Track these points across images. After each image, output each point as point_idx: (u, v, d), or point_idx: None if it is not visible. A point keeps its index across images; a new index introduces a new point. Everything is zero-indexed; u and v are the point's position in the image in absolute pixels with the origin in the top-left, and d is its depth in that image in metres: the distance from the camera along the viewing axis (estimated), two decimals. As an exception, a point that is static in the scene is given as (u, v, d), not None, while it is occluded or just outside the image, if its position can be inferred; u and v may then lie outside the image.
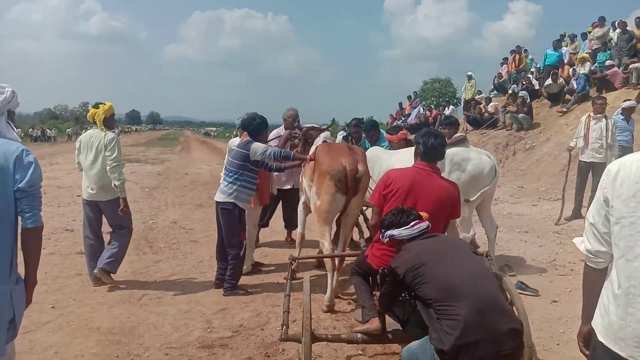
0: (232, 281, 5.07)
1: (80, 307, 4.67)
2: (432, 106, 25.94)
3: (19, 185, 2.33)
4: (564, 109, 14.49)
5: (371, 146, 6.79)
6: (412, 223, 2.78)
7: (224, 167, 6.15)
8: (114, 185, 5.17)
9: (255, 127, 5.18)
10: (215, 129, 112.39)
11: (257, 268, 5.90)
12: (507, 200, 10.30)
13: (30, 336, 4.00)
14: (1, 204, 2.31)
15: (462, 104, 21.88)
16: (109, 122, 5.35)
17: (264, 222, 6.79)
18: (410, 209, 2.90)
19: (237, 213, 5.03)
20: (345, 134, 7.20)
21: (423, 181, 3.33)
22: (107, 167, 5.11)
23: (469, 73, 20.53)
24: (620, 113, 8.93)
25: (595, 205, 1.94)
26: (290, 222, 6.77)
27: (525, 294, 4.89)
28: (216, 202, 5.15)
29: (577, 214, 8.21)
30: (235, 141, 5.97)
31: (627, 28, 14.29)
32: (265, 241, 7.10)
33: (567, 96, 14.96)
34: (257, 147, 4.99)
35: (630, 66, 13.38)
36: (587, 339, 1.99)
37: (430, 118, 21.05)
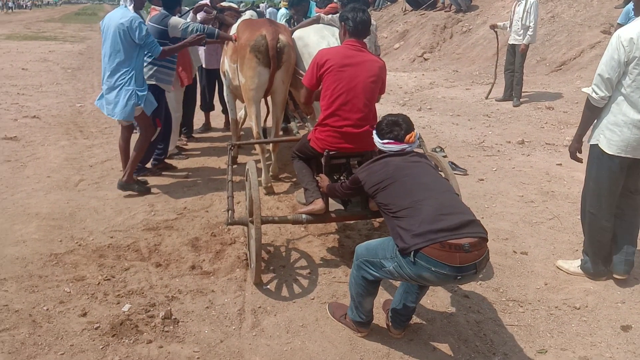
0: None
1: (14, 194, 4.52)
2: (373, -17, 24.86)
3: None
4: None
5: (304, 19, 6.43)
6: (386, 140, 2.74)
7: None
8: None
9: None
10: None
11: (180, 152, 5.85)
12: (442, 84, 10.52)
13: (-36, 224, 3.89)
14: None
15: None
16: None
17: (207, 106, 6.71)
18: (400, 124, 2.75)
19: (157, 95, 4.72)
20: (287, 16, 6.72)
21: (355, 56, 3.34)
22: None
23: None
24: None
25: (611, 65, 2.96)
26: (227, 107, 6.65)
27: (455, 174, 5.21)
28: None
29: (509, 95, 8.55)
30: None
31: None
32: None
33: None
34: (177, 22, 4.64)
35: (570, -53, 13.28)
36: (576, 151, 3.32)
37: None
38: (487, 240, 2.38)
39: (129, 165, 4.63)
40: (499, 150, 6.21)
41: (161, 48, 4.40)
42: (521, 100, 8.36)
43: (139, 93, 4.34)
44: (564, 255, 3.73)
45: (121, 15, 4.24)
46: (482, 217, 4.29)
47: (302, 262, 3.57)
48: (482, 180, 5.21)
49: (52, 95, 8.99)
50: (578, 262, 3.49)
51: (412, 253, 2.30)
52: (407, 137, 2.71)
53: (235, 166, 5.01)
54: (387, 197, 2.53)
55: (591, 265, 3.40)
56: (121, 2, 4.39)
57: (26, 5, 67.64)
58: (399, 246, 2.38)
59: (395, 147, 2.71)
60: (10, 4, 63.46)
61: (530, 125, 7.33)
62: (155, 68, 4.74)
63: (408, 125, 2.75)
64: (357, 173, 2.79)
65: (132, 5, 4.37)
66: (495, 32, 8.78)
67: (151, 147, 4.91)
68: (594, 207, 3.31)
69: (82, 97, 8.89)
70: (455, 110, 8.30)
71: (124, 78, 4.28)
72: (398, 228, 2.41)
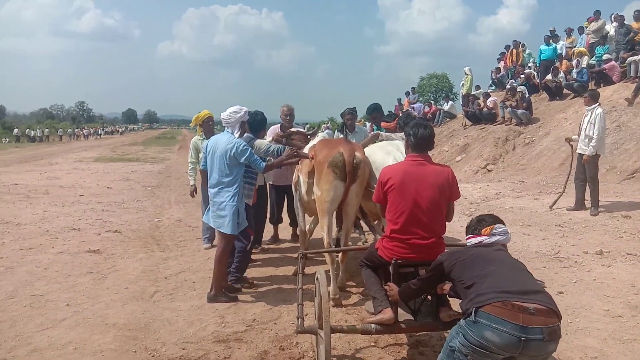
0: (236, 274, 5.17)
1: (94, 305, 4.74)
2: (431, 101, 26.01)
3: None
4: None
5: (377, 128, 6.83)
6: (469, 235, 2.92)
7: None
8: None
9: (258, 123, 5.35)
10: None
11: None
12: (509, 195, 10.38)
13: (49, 333, 4.08)
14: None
15: (460, 99, 21.98)
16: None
17: (276, 219, 7.03)
18: (486, 220, 2.94)
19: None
20: (338, 127, 7.17)
21: (415, 172, 3.43)
22: None
23: (465, 68, 20.65)
24: None
25: None
26: (295, 219, 6.88)
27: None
28: None
29: (580, 205, 8.30)
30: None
31: (625, 22, 14.36)
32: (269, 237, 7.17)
33: (566, 90, 15.07)
34: (260, 143, 5.15)
35: (628, 60, 13.47)
36: None
37: (429, 114, 21.15)
38: (559, 316, 2.31)
39: (215, 278, 4.85)
40: (576, 262, 5.90)
41: (264, 163, 4.82)
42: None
43: (240, 210, 4.75)
44: (666, 378, 3.35)
45: (227, 141, 4.71)
46: (566, 333, 4.00)
47: (373, 379, 3.41)
48: (562, 293, 4.91)
49: (132, 211, 9.65)
50: None
51: (473, 312, 2.31)
52: (483, 230, 2.82)
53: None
54: (462, 270, 2.64)
55: None
56: (226, 129, 4.86)
57: (114, 132, 76.31)
58: (462, 309, 2.41)
59: (474, 240, 2.85)
60: (99, 131, 72.04)
61: (607, 234, 6.98)
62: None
63: (494, 220, 2.89)
64: (440, 256, 2.91)
65: (239, 133, 4.88)
66: (571, 145, 8.75)
67: (247, 256, 5.25)
68: None
69: (160, 213, 9.48)
70: (525, 221, 8.09)
71: (229, 195, 4.70)
72: (467, 295, 2.48)
